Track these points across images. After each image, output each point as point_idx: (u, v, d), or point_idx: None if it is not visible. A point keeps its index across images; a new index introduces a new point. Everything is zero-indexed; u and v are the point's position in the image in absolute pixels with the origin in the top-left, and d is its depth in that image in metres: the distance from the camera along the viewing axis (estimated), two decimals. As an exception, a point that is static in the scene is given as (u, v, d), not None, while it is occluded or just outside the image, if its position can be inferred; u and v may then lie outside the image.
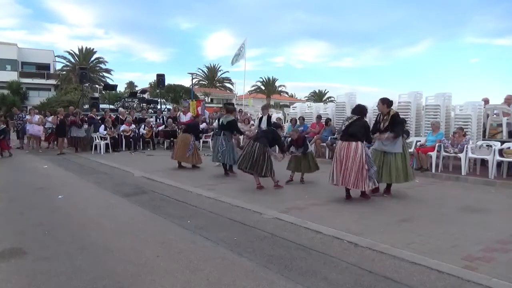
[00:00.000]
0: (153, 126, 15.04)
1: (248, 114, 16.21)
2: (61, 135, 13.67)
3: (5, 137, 12.31)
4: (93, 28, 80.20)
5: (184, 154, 9.37)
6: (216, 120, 10.28)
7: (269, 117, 8.42)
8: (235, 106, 20.67)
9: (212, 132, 11.31)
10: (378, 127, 6.31)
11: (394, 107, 11.04)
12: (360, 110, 6.09)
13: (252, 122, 12.22)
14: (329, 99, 53.08)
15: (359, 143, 5.71)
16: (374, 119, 6.88)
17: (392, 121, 6.19)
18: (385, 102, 6.28)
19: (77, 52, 44.67)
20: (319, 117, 12.56)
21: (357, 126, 5.86)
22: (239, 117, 12.92)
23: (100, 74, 46.91)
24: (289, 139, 7.60)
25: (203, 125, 11.08)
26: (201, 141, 13.14)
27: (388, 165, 6.25)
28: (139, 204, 5.85)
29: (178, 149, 9.54)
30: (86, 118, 14.05)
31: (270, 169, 6.82)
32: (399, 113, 10.49)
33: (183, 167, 9.65)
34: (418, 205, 5.88)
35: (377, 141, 6.42)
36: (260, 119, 8.69)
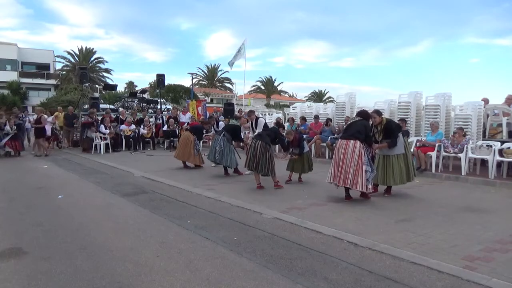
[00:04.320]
0: (151, 124, 15.03)
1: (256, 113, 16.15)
2: (40, 135, 12.82)
3: (17, 138, 12.29)
4: (93, 28, 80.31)
5: (188, 152, 9.42)
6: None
7: (256, 120, 8.48)
8: (235, 106, 20.75)
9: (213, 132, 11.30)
10: (374, 139, 6.27)
11: (394, 107, 11.15)
12: (364, 114, 6.14)
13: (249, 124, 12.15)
14: (329, 99, 53.10)
15: (358, 142, 5.71)
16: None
17: (387, 130, 6.18)
18: (380, 114, 6.30)
19: (77, 52, 44.72)
20: (316, 117, 12.58)
21: (358, 126, 5.89)
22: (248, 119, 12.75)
23: (100, 74, 46.93)
24: (286, 140, 7.61)
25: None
26: (201, 142, 13.15)
27: (391, 167, 6.25)
28: (139, 204, 5.85)
29: (180, 148, 9.60)
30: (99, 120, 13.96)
31: (272, 169, 6.83)
32: (399, 113, 10.63)
33: (188, 167, 9.67)
34: (418, 205, 5.88)
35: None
36: (251, 124, 8.74)
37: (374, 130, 6.28)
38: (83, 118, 14.56)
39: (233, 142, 8.75)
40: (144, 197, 6.37)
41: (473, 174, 8.45)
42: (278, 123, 8.33)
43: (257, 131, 7.86)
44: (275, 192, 6.79)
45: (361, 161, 5.64)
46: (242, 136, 9.50)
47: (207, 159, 9.27)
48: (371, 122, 6.25)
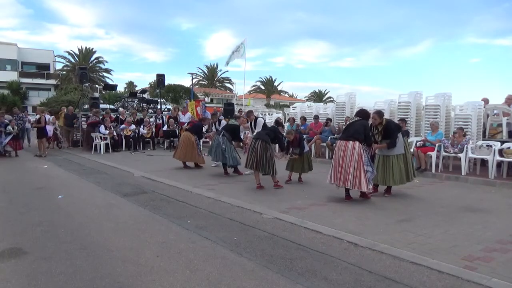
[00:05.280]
0: (151, 124, 15.02)
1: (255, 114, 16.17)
2: (42, 135, 12.65)
3: (18, 138, 12.32)
4: (94, 28, 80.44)
5: (190, 153, 9.44)
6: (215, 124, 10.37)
7: (255, 120, 8.49)
8: (235, 106, 20.73)
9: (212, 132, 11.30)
10: (374, 139, 6.26)
11: (394, 107, 11.15)
12: (363, 113, 6.12)
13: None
14: (329, 99, 53.11)
15: (357, 142, 5.71)
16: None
17: (386, 131, 6.16)
18: (382, 115, 6.28)
19: (77, 52, 44.74)
20: (316, 117, 12.58)
21: (357, 126, 5.88)
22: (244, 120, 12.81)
23: (100, 74, 46.95)
24: (286, 140, 7.61)
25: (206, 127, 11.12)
26: (201, 141, 13.15)
27: (391, 167, 6.25)
28: (139, 204, 5.85)
29: (181, 148, 9.55)
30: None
31: (273, 167, 6.83)
32: (399, 113, 10.63)
33: (188, 167, 9.68)
34: (418, 205, 5.88)
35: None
36: (250, 124, 8.75)
37: (374, 131, 6.28)
38: (83, 118, 14.57)
39: (233, 142, 8.76)
40: (144, 197, 6.37)
41: (473, 174, 8.45)
42: (278, 122, 8.32)
43: (256, 131, 7.87)
44: (275, 192, 6.79)
45: (361, 161, 5.64)
46: (242, 137, 9.50)
47: (206, 159, 9.28)
48: (371, 122, 6.25)
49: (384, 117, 6.37)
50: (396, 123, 6.81)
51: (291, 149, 7.51)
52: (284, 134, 8.00)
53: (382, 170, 6.31)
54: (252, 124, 8.56)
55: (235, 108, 18.71)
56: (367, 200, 6.06)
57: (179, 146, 9.71)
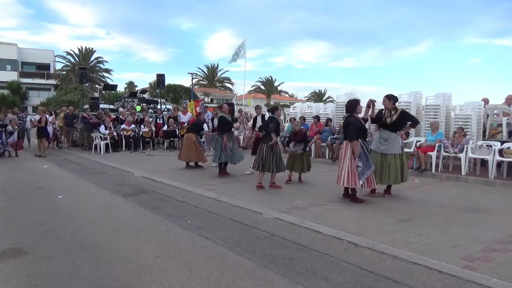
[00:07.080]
0: (151, 123, 15.02)
1: (249, 114, 16.21)
2: (42, 135, 12.59)
3: (18, 138, 12.39)
4: (94, 28, 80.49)
5: (195, 153, 9.53)
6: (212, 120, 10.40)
7: (262, 116, 8.48)
8: (235, 106, 20.71)
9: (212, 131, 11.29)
10: (383, 121, 6.30)
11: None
12: (348, 107, 6.16)
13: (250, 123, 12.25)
14: (329, 99, 53.13)
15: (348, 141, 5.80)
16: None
17: (402, 117, 6.26)
18: (392, 99, 6.34)
19: (77, 52, 44.72)
20: (316, 117, 12.55)
21: (344, 124, 6.01)
22: (238, 115, 12.86)
23: (100, 74, 46.94)
24: (287, 138, 7.61)
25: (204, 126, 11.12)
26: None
27: (388, 166, 6.24)
28: (139, 204, 5.85)
29: (185, 150, 9.60)
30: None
31: (280, 165, 6.90)
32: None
33: (190, 166, 9.71)
34: (418, 205, 5.88)
35: (374, 143, 6.42)
36: (255, 118, 8.71)
37: (386, 114, 6.31)
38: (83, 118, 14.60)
39: (234, 140, 8.78)
40: (144, 197, 6.36)
41: (473, 174, 8.44)
42: (273, 109, 7.94)
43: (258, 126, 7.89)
44: (275, 192, 6.79)
45: (352, 159, 5.67)
46: (242, 137, 9.52)
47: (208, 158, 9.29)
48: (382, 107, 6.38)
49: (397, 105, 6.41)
50: (411, 115, 6.82)
51: (293, 145, 7.49)
52: (292, 126, 7.99)
53: (379, 168, 6.29)
54: (259, 119, 8.53)
55: (235, 108, 18.70)
56: (365, 200, 6.01)
57: (183, 148, 9.76)
